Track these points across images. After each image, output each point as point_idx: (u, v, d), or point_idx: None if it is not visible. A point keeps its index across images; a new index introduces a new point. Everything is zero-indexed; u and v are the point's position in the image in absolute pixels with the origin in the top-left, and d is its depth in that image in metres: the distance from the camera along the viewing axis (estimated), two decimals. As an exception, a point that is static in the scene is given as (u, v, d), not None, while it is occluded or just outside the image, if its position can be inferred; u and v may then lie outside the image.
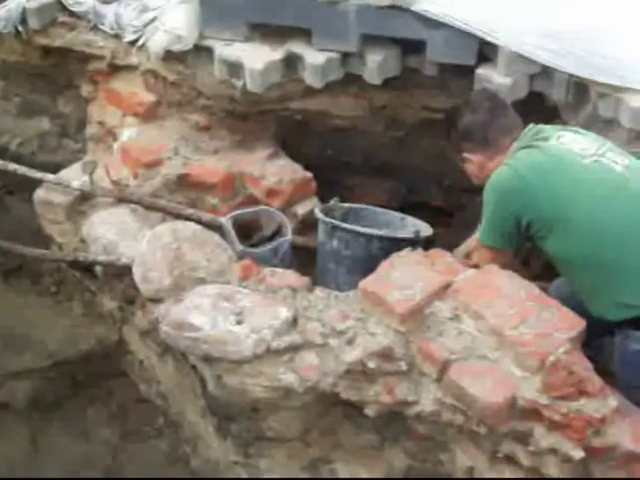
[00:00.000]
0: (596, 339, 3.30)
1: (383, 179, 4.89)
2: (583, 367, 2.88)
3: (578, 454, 2.87)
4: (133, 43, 4.30)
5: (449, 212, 4.72)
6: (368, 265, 3.36)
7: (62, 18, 4.47)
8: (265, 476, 3.48)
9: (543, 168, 3.21)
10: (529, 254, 3.57)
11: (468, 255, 3.59)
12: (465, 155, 3.51)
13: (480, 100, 3.61)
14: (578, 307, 3.12)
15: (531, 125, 3.43)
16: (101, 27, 4.39)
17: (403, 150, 4.67)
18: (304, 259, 4.10)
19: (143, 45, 4.25)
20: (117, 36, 4.36)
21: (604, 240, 3.10)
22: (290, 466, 3.46)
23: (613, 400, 2.89)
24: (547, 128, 3.42)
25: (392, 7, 3.83)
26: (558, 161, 3.22)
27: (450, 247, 3.73)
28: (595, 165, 3.21)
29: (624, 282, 3.09)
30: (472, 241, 3.68)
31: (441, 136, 3.69)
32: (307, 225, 4.28)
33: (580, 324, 2.99)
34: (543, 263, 3.45)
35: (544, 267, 3.50)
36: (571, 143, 3.29)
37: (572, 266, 3.23)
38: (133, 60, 4.39)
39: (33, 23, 4.46)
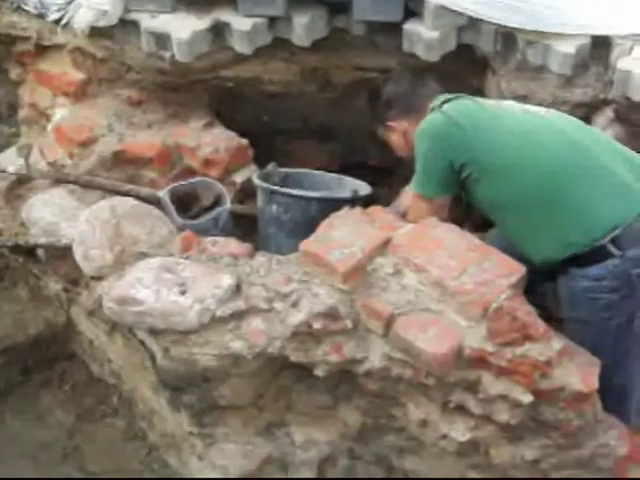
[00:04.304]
0: (539, 286, 3.35)
1: (321, 142, 4.90)
2: (526, 312, 2.92)
3: (527, 398, 2.93)
4: (58, 22, 4.23)
5: (388, 171, 4.73)
6: (308, 228, 3.35)
7: (-16, 1, 4.41)
8: (222, 443, 3.49)
9: (474, 114, 3.28)
10: (468, 206, 3.59)
11: (404, 215, 3.60)
12: (389, 123, 3.60)
13: (400, 72, 3.79)
14: (516, 258, 3.15)
15: (447, 94, 3.49)
16: (24, 7, 4.33)
17: (339, 111, 4.68)
18: (245, 227, 4.11)
19: (68, 23, 4.19)
20: (41, 16, 4.29)
21: (542, 180, 3.15)
22: (245, 433, 3.46)
23: (557, 343, 2.94)
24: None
25: (315, -33, 3.84)
26: (490, 110, 3.31)
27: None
28: (527, 115, 3.31)
29: (563, 220, 3.13)
30: (405, 199, 3.70)
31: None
32: (246, 193, 4.30)
33: (520, 270, 3.02)
34: (482, 215, 3.48)
35: (484, 219, 3.52)
36: (495, 101, 3.41)
37: (509, 210, 3.26)
38: (59, 39, 4.33)
39: (-46, 8, 4.39)
